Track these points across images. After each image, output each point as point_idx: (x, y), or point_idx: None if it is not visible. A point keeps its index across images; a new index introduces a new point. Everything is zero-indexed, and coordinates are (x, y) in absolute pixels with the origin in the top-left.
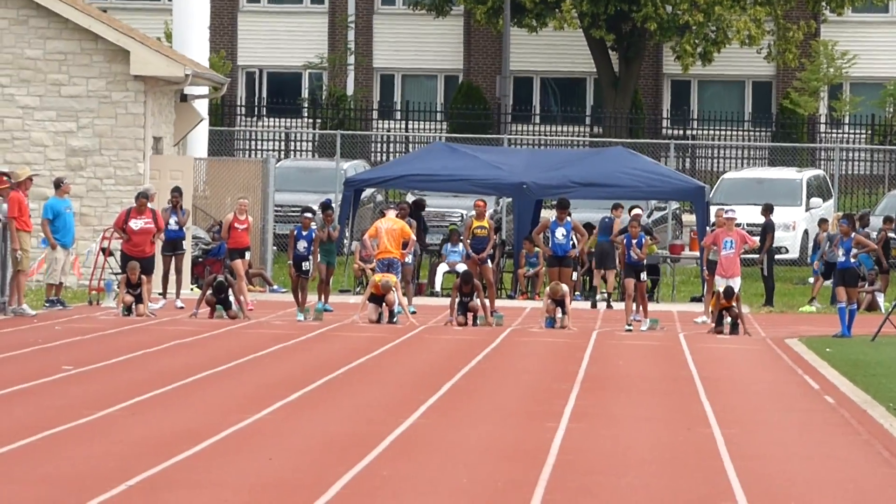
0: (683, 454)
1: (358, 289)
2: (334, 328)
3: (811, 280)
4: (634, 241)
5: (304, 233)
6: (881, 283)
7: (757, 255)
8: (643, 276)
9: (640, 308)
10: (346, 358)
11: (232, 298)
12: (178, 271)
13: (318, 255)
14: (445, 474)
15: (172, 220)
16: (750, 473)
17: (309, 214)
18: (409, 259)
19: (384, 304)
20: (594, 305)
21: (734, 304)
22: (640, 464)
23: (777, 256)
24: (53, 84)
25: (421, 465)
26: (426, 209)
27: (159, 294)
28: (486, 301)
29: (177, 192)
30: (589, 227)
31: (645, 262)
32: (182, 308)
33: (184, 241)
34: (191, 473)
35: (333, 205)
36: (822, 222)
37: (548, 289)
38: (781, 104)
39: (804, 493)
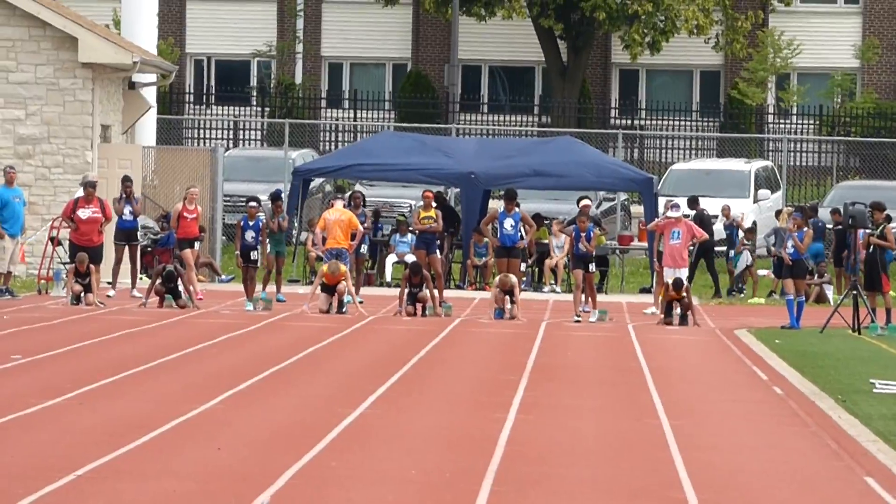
0: (632, 445)
1: (310, 278)
2: (283, 318)
3: (763, 273)
4: (583, 234)
5: (251, 223)
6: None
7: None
8: (591, 267)
9: (589, 299)
10: (295, 348)
11: (181, 288)
12: (133, 261)
13: (268, 246)
14: (394, 464)
15: (127, 210)
16: (698, 464)
17: (254, 204)
18: (363, 249)
19: (335, 293)
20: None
21: (684, 295)
22: (588, 454)
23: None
24: (1, 71)
25: (369, 455)
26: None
27: (108, 283)
28: (435, 291)
29: (128, 181)
30: (538, 218)
31: (594, 253)
32: (139, 297)
33: (138, 232)
34: (139, 463)
35: (283, 195)
36: (778, 213)
37: (497, 280)
38: (729, 94)
39: (752, 483)
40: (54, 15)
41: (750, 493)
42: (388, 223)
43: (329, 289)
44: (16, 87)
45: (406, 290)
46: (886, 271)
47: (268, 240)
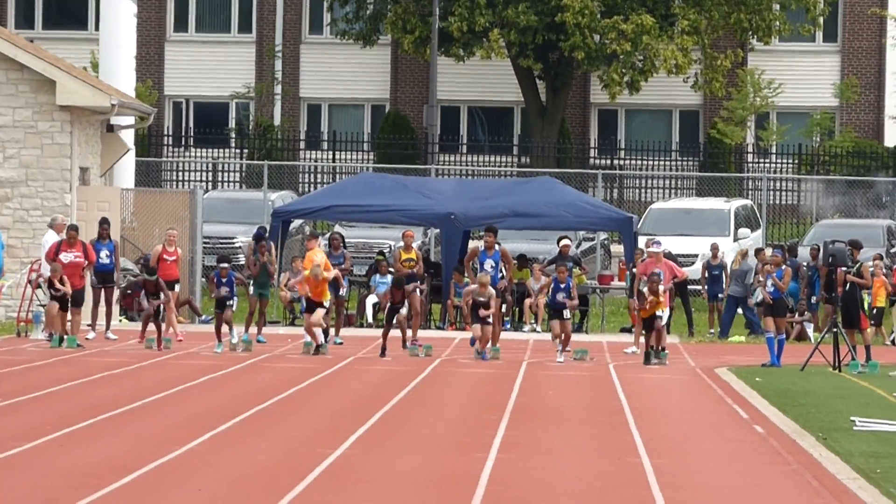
0: (613, 484)
1: (290, 318)
2: (264, 359)
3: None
4: (563, 286)
5: (224, 279)
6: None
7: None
8: (566, 313)
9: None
10: (275, 389)
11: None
12: (108, 303)
13: (251, 288)
14: None
15: (104, 253)
16: (679, 503)
17: (225, 265)
18: (342, 292)
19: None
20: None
21: (661, 299)
22: (569, 494)
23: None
24: None
25: (350, 495)
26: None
27: (88, 326)
28: (413, 329)
29: (105, 223)
30: (522, 259)
31: (575, 294)
32: (115, 340)
33: (114, 274)
34: None
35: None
36: (759, 252)
37: (473, 287)
38: (709, 134)
39: None
40: (32, 58)
41: None
42: (367, 263)
43: (314, 305)
44: None
45: (388, 307)
46: (864, 309)
47: (251, 282)
